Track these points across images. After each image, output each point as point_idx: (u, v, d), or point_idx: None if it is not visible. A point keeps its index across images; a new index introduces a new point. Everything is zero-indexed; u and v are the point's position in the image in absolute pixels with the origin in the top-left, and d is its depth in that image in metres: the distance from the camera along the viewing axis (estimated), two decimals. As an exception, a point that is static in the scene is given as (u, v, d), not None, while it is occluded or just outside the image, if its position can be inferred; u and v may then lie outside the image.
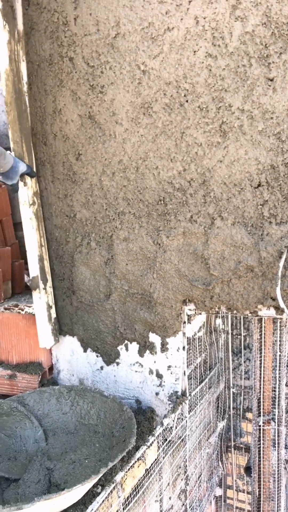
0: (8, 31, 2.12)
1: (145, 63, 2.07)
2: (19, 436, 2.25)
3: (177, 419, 2.37)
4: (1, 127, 3.29)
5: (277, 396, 2.53)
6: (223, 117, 2.00)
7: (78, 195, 2.40)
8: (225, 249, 2.15)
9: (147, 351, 2.45)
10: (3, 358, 2.75)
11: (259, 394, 2.56)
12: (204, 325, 2.73)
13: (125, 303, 2.42)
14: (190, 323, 2.42)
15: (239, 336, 3.22)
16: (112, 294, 2.44)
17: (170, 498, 2.44)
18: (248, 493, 3.39)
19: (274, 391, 2.53)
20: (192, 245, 2.22)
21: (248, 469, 2.99)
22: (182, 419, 2.43)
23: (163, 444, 2.19)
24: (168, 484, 2.40)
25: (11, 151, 2.25)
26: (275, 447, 2.61)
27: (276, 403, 2.53)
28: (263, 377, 2.50)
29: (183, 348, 2.39)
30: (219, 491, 3.41)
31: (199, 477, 2.87)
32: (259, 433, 2.60)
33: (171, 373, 2.43)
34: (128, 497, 1.96)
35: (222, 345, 3.06)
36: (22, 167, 2.15)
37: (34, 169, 2.35)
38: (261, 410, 2.58)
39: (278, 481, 2.69)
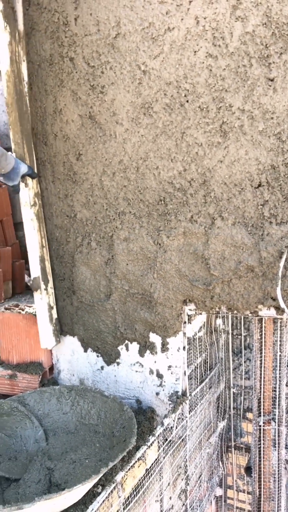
0: (9, 32, 2.12)
1: (145, 63, 2.07)
2: (20, 436, 2.26)
3: (178, 419, 2.37)
4: (1, 127, 3.30)
5: (277, 396, 2.53)
6: (223, 117, 2.00)
7: (79, 195, 2.40)
8: (226, 249, 2.15)
9: (148, 351, 2.45)
10: (4, 358, 2.75)
11: (259, 394, 2.56)
12: (204, 325, 2.74)
13: (126, 303, 2.43)
14: (190, 323, 2.42)
15: (239, 336, 3.22)
16: (112, 294, 2.44)
17: (170, 498, 2.44)
18: (248, 493, 3.39)
19: (275, 391, 2.53)
20: (193, 245, 2.22)
21: (248, 469, 2.99)
22: (182, 419, 2.43)
23: (163, 444, 2.19)
24: (169, 484, 2.40)
25: (12, 152, 2.25)
26: (275, 447, 2.61)
27: (277, 403, 2.53)
28: (264, 377, 2.51)
29: (184, 348, 2.39)
30: (219, 491, 3.41)
31: (199, 477, 2.88)
32: (260, 433, 2.60)
33: (172, 373, 2.43)
34: (128, 497, 1.96)
35: (222, 345, 3.06)
36: (23, 168, 2.15)
37: (35, 170, 2.35)
38: (262, 410, 2.58)
39: (278, 481, 2.69)
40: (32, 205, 2.37)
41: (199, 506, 2.89)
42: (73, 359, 2.66)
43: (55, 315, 2.59)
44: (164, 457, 2.22)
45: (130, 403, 2.55)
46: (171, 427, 2.30)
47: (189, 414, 2.49)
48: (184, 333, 2.37)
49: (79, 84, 2.22)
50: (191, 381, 2.54)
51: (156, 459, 2.17)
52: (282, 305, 2.10)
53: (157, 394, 2.48)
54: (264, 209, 2.05)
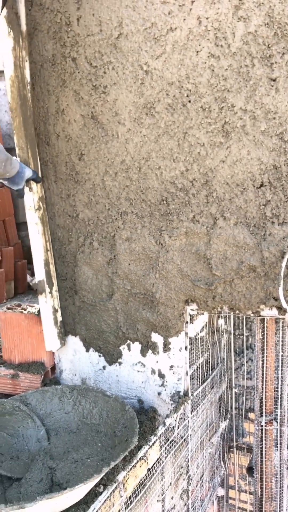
0: (13, 37, 2.11)
1: (147, 63, 2.07)
2: (22, 435, 2.26)
3: (179, 419, 2.37)
4: (4, 127, 3.30)
5: (279, 396, 2.52)
6: (225, 117, 2.00)
7: (81, 195, 2.40)
8: (228, 249, 2.15)
9: (150, 351, 2.45)
10: (6, 358, 2.76)
11: (261, 394, 2.55)
12: (206, 325, 2.74)
13: (128, 303, 2.43)
14: (192, 323, 2.42)
15: (241, 336, 3.22)
16: (114, 294, 2.44)
17: (172, 498, 2.44)
18: (250, 493, 3.39)
19: (277, 391, 2.53)
20: (195, 245, 2.22)
21: (250, 469, 2.99)
22: (184, 419, 2.43)
23: (165, 444, 2.19)
24: (170, 484, 2.40)
25: (15, 155, 2.25)
26: (277, 447, 2.61)
27: (279, 403, 2.53)
28: (266, 377, 2.50)
29: (186, 348, 2.39)
30: (221, 491, 3.41)
31: (201, 477, 2.88)
32: (261, 433, 2.60)
33: (174, 373, 2.43)
34: (130, 497, 1.96)
35: (224, 345, 3.06)
36: (28, 173, 2.15)
37: (39, 173, 2.36)
38: (263, 410, 2.57)
39: (280, 481, 2.68)
40: (37, 209, 2.38)
41: (201, 506, 2.89)
42: (75, 359, 2.67)
43: (59, 318, 2.60)
44: (166, 457, 2.22)
45: (132, 403, 2.55)
46: (173, 427, 2.30)
47: (191, 414, 2.49)
48: (186, 333, 2.37)
49: (81, 84, 2.23)
50: (193, 381, 2.54)
51: (158, 459, 2.17)
52: (284, 305, 2.10)
53: (159, 394, 2.48)
54: (266, 209, 2.05)
